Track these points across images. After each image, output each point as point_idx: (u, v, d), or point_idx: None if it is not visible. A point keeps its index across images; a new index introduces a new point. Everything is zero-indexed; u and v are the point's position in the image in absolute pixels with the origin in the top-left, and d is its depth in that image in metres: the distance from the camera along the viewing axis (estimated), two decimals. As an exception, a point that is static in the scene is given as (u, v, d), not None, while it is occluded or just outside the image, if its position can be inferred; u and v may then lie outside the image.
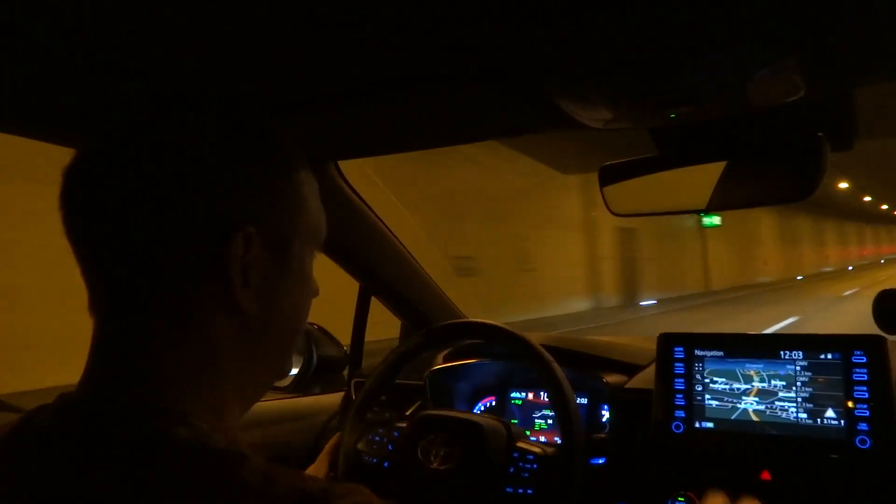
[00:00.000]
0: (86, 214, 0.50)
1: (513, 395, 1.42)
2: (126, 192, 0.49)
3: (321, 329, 1.51)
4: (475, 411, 1.43)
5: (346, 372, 1.61)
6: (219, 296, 0.50)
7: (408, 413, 1.39)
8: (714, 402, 1.10)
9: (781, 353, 1.08)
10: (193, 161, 0.50)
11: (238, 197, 0.51)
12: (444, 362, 1.43)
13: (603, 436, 1.22)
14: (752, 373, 1.10)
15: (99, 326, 0.51)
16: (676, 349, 1.15)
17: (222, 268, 0.50)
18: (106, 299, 0.51)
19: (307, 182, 0.57)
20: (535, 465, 1.07)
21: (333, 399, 1.60)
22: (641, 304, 16.09)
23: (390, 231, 1.44)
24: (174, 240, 0.49)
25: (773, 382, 1.08)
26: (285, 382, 1.49)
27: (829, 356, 1.04)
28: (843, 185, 24.28)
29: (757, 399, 1.08)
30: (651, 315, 14.17)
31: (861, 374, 1.01)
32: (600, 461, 1.16)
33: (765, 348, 1.10)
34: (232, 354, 0.52)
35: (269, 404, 1.51)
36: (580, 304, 14.71)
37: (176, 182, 0.49)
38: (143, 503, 0.43)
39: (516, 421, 1.38)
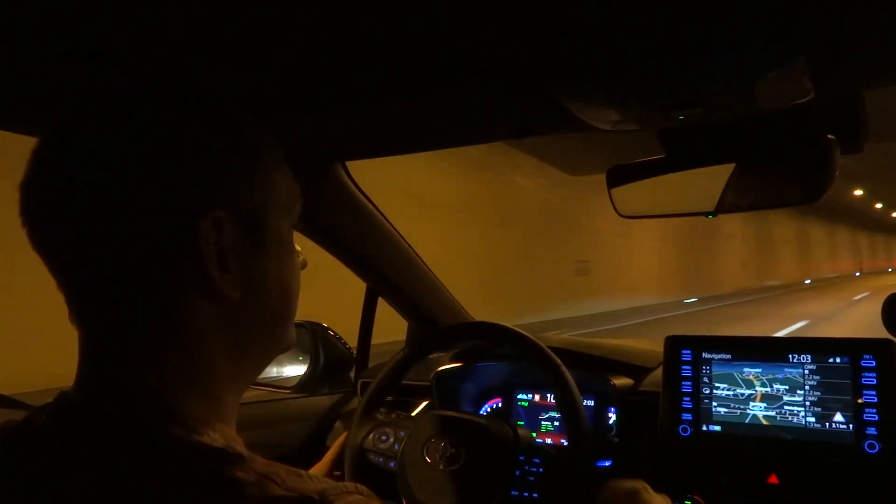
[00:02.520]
0: (45, 220, 0.48)
1: (519, 396, 1.42)
2: (82, 189, 0.47)
3: (328, 329, 1.52)
4: (481, 413, 1.43)
5: (352, 372, 1.61)
6: (197, 285, 0.49)
7: (414, 413, 1.39)
8: (722, 408, 1.10)
9: (790, 356, 1.07)
10: (151, 150, 0.48)
11: (201, 182, 0.49)
12: (451, 363, 1.43)
13: (610, 438, 1.22)
14: (752, 377, 1.09)
15: (82, 333, 0.50)
16: (684, 352, 1.15)
17: (196, 256, 0.48)
18: (82, 305, 0.50)
19: (272, 158, 0.55)
20: (541, 469, 1.06)
21: (338, 399, 1.61)
22: (685, 301, 17.11)
23: (397, 232, 1.44)
24: (140, 234, 0.47)
25: (775, 387, 1.07)
26: (292, 382, 1.50)
27: (838, 360, 1.04)
28: (858, 192, 23.96)
29: (765, 404, 1.07)
30: (706, 310, 15.32)
31: (870, 379, 1.01)
32: (607, 464, 1.16)
33: (773, 351, 1.09)
34: (220, 343, 0.51)
35: (274, 404, 1.52)
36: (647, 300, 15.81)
37: (134, 173, 0.47)
38: (139, 503, 0.43)
39: (523, 423, 1.38)
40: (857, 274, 41.04)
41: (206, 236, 0.48)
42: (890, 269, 48.00)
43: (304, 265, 0.61)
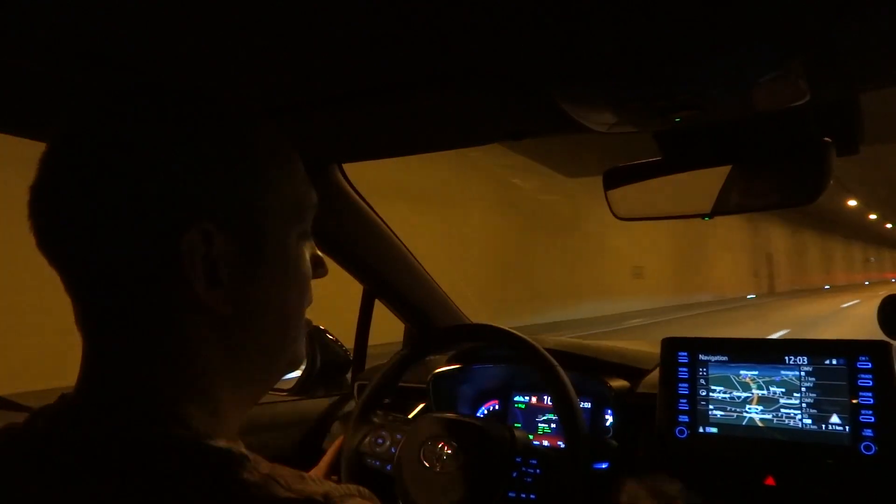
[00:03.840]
0: (44, 222, 0.48)
1: (516, 398, 1.42)
2: (73, 195, 0.46)
3: (324, 331, 1.52)
4: (478, 415, 1.43)
5: (349, 374, 1.61)
6: (186, 298, 0.47)
7: (411, 416, 1.39)
8: (718, 411, 1.10)
9: (786, 358, 1.07)
10: (137, 156, 0.46)
11: (188, 191, 0.47)
12: (448, 365, 1.43)
13: (607, 440, 1.22)
14: (748, 380, 1.09)
15: (84, 335, 0.50)
16: (680, 354, 1.15)
17: (181, 268, 0.46)
18: (82, 307, 0.49)
19: (276, 163, 0.52)
20: (538, 470, 1.06)
21: (335, 402, 1.60)
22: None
23: (394, 234, 1.44)
24: (127, 242, 0.46)
25: (771, 389, 1.07)
26: (289, 385, 1.50)
27: (835, 362, 1.04)
28: (852, 202, 23.39)
29: (761, 407, 1.07)
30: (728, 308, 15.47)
31: (866, 380, 1.01)
32: (604, 466, 1.16)
33: (769, 353, 1.09)
34: (215, 357, 0.49)
35: (272, 406, 1.52)
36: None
37: (118, 180, 0.46)
38: None
39: (520, 425, 1.38)
40: (750, 297, 25.05)
41: (191, 249, 0.46)
42: (827, 287, 35.24)
43: (324, 273, 0.58)
